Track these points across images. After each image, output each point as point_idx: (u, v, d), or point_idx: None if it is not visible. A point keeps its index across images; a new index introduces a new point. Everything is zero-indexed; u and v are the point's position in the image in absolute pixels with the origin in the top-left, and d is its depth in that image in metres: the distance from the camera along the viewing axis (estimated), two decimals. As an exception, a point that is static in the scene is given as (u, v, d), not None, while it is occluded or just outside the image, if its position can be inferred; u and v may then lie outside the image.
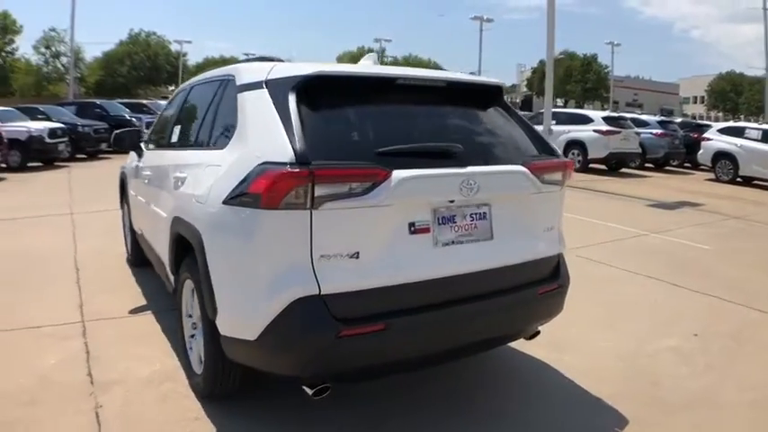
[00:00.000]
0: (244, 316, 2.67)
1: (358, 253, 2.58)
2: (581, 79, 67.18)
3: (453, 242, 2.82)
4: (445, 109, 3.23)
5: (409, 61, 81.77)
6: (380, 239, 2.64)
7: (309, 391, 2.65)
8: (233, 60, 75.95)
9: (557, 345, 4.05)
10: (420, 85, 3.14)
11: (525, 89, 78.40)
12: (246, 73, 3.21)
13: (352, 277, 2.57)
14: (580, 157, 16.52)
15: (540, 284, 3.18)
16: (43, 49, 50.24)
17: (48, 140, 16.18)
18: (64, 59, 46.93)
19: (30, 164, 15.85)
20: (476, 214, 2.91)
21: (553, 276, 3.29)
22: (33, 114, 18.56)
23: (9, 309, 4.66)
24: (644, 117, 21.95)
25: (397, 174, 2.60)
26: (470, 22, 52.00)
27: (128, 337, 4.15)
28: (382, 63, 64.19)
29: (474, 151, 3.00)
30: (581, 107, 57.25)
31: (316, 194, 2.46)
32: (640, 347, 4.22)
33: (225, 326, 2.79)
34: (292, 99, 2.71)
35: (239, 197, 2.61)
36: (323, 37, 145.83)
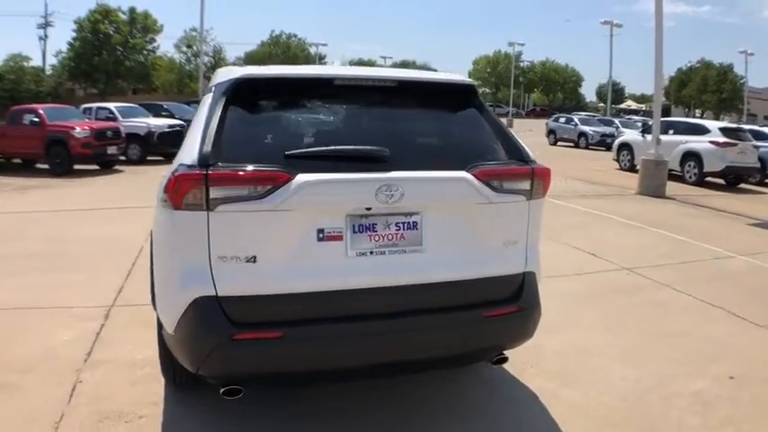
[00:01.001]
0: (165, 310, 2.73)
1: (255, 257, 2.51)
2: (716, 89, 62.15)
3: (372, 252, 2.64)
4: (392, 110, 3.06)
5: (546, 66, 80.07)
6: (282, 245, 2.55)
7: (221, 390, 2.62)
8: (370, 63, 78.22)
9: (564, 375, 3.72)
10: (366, 85, 2.97)
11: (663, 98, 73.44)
12: (215, 77, 3.24)
13: (249, 281, 2.52)
14: (696, 170, 15.10)
15: (490, 306, 2.81)
16: (185, 48, 54.40)
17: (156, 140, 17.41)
18: (205, 58, 50.49)
19: (149, 158, 17.24)
20: (403, 223, 2.68)
21: (513, 298, 2.90)
22: (157, 111, 20.22)
23: (53, 289, 5.13)
24: (766, 129, 19.67)
25: (300, 177, 2.50)
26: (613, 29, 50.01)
27: (141, 324, 4.32)
28: (517, 68, 64.53)
29: (409, 155, 2.76)
30: (717, 118, 52.75)
31: (211, 196, 2.46)
32: (659, 387, 3.69)
33: (160, 317, 2.87)
34: (221, 103, 2.72)
35: (162, 196, 2.68)
36: (462, 40, 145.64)
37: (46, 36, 48.29)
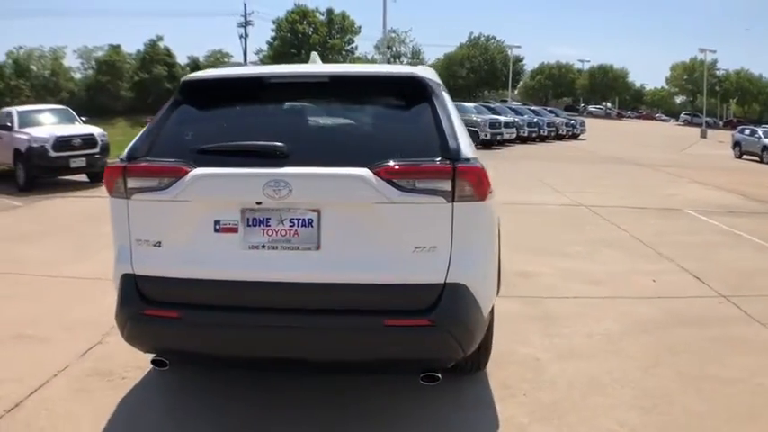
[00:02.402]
0: (114, 282, 2.96)
1: (160, 242, 2.70)
2: None
3: (264, 246, 2.62)
4: (322, 106, 3.02)
5: (740, 75, 69.76)
6: (182, 233, 2.68)
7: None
8: (566, 67, 74.30)
9: (552, 410, 3.19)
10: (299, 82, 2.98)
11: None
12: None
13: (156, 264, 2.71)
14: None
15: (393, 315, 2.56)
16: (385, 49, 56.39)
17: None
18: (404, 60, 51.95)
19: None
20: (298, 220, 2.60)
21: (424, 310, 2.56)
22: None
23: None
24: None
25: (195, 171, 2.60)
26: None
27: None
28: (712, 76, 56.56)
29: (315, 151, 2.68)
30: None
31: (128, 186, 2.70)
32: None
33: None
34: (168, 104, 2.95)
35: None
36: (659, 44, 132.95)
37: (246, 35, 51.49)
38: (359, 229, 2.60)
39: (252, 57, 51.04)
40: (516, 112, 29.54)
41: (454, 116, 2.87)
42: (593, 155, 22.08)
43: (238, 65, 45.01)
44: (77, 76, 47.09)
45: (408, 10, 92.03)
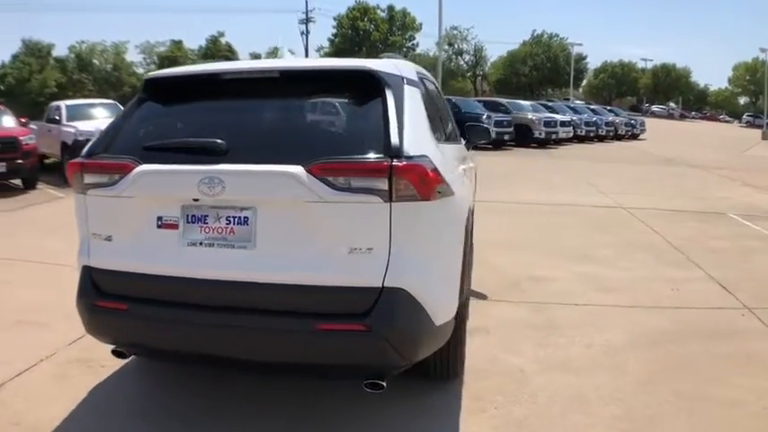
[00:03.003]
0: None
1: (111, 236, 2.75)
2: None
3: (202, 243, 2.59)
4: (271, 101, 2.91)
5: None
6: (129, 228, 2.71)
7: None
8: (629, 66, 70.96)
9: (520, 427, 2.94)
10: (251, 78, 2.95)
11: None
12: None
13: (107, 257, 2.76)
14: None
15: (327, 318, 2.45)
16: (446, 47, 54.91)
17: None
18: (466, 57, 51.16)
19: None
20: (234, 218, 2.55)
21: (359, 315, 2.43)
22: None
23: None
24: None
25: (138, 168, 2.62)
26: None
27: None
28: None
29: (255, 148, 2.62)
30: None
31: (84, 182, 2.77)
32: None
33: None
34: (135, 99, 3.05)
35: None
36: (722, 43, 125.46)
37: (307, 32, 50.99)
38: (294, 229, 2.50)
39: (313, 53, 51.05)
40: (574, 110, 28.50)
41: (413, 111, 2.70)
42: (649, 155, 20.99)
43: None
44: (140, 70, 47.41)
45: (471, 6, 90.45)
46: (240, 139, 2.68)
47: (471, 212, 3.94)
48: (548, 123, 23.57)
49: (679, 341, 3.95)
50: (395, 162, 2.39)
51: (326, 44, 50.84)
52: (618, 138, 29.10)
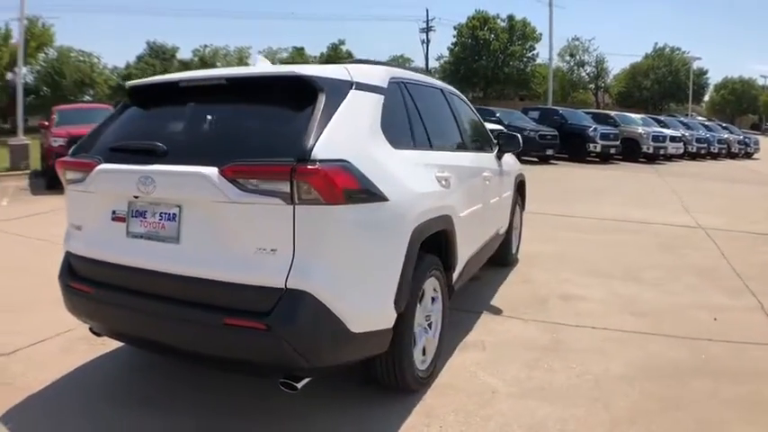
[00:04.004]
0: None
1: (81, 226, 3.02)
2: None
3: (142, 236, 2.74)
4: (218, 106, 3.01)
5: None
6: (92, 219, 2.94)
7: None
8: (749, 83, 63.85)
9: None
10: (204, 85, 3.04)
11: None
12: None
13: (77, 244, 3.02)
14: None
15: (234, 314, 2.46)
16: (567, 57, 52.26)
17: None
18: (587, 68, 48.49)
19: None
20: (165, 214, 2.67)
21: (261, 313, 2.41)
22: (485, 116, 20.65)
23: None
24: None
25: (98, 167, 2.84)
26: None
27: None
28: None
29: (188, 150, 2.74)
30: None
31: (66, 177, 3.05)
32: None
33: None
34: (120, 105, 3.32)
35: None
36: None
37: (428, 40, 50.41)
38: (210, 227, 2.57)
39: (433, 63, 50.36)
40: (687, 126, 26.23)
41: (350, 116, 2.69)
42: (756, 175, 18.71)
43: (420, 70, 45.16)
44: None
45: (593, 17, 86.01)
46: (178, 142, 2.85)
47: (466, 219, 3.75)
48: (656, 138, 21.87)
49: (688, 378, 3.39)
50: (298, 165, 2.36)
51: (446, 53, 49.85)
52: (731, 156, 26.48)
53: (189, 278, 2.57)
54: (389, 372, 2.98)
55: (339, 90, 2.74)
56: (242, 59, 48.00)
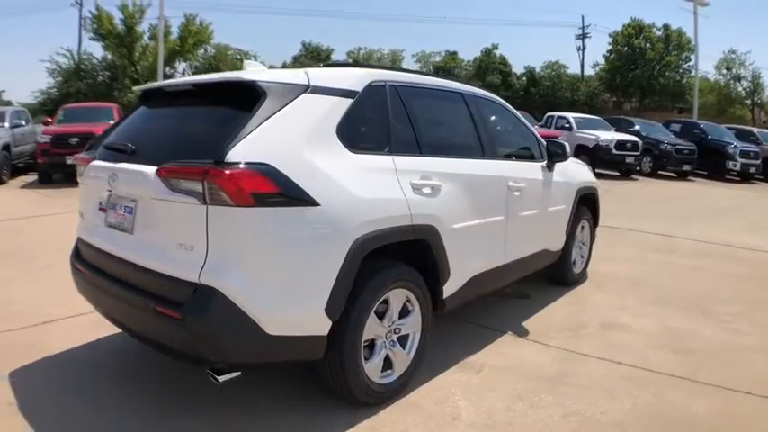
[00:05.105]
0: None
1: (83, 214, 3.36)
2: None
3: (112, 226, 2.97)
4: (184, 110, 3.14)
5: None
6: (89, 209, 3.24)
7: None
8: None
9: None
10: (178, 90, 3.24)
11: None
12: None
13: (80, 229, 3.39)
14: None
15: (160, 302, 2.57)
16: (724, 71, 46.55)
17: (614, 151, 16.91)
18: (744, 83, 42.96)
19: (597, 170, 16.89)
20: (126, 207, 2.88)
21: (179, 303, 2.50)
22: (624, 126, 19.29)
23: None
24: None
25: (90, 163, 3.18)
26: None
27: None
28: None
29: (152, 150, 2.86)
30: None
31: (78, 173, 3.44)
32: None
33: None
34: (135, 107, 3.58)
35: None
36: None
37: (584, 47, 47.14)
38: (150, 220, 2.74)
39: (588, 70, 46.82)
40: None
41: (292, 120, 2.68)
42: None
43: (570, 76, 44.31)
44: None
45: (751, 30, 75.73)
46: (144, 142, 2.98)
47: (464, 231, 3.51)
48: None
49: (693, 435, 2.83)
50: (210, 167, 2.40)
51: (602, 60, 46.64)
52: None
53: (136, 266, 2.75)
54: (335, 381, 2.87)
55: (285, 94, 2.72)
56: (395, 62, 47.46)
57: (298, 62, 44.65)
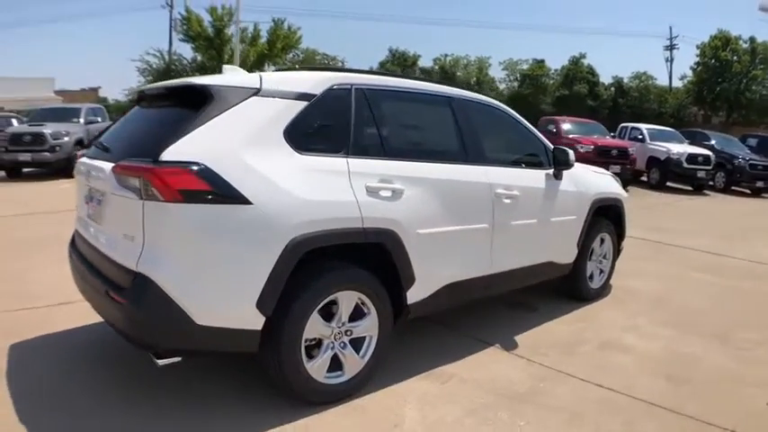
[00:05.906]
0: None
1: (78, 206, 3.47)
2: None
3: (89, 216, 3.16)
4: (157, 111, 3.26)
5: None
6: (79, 201, 3.40)
7: None
8: None
9: None
10: (153, 93, 3.37)
11: None
12: None
13: (76, 220, 3.53)
14: None
15: (112, 287, 2.71)
16: None
17: (685, 164, 15.90)
18: None
19: (669, 183, 16.12)
20: (98, 200, 3.02)
21: (123, 289, 2.62)
22: (699, 139, 18.09)
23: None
24: None
25: (80, 159, 3.40)
26: None
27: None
28: None
29: (125, 148, 2.98)
30: None
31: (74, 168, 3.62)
32: None
33: None
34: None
35: None
36: None
37: (671, 58, 44.65)
38: (108, 212, 2.90)
39: (676, 82, 43.96)
40: None
41: (234, 122, 2.73)
42: None
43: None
44: (501, 86, 45.82)
45: None
46: (117, 141, 3.20)
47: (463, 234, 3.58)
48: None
49: None
50: (145, 165, 2.53)
51: (689, 72, 43.81)
52: None
53: (99, 252, 2.93)
54: (275, 375, 2.87)
55: (233, 97, 2.77)
56: (481, 69, 46.40)
57: (384, 67, 44.36)
